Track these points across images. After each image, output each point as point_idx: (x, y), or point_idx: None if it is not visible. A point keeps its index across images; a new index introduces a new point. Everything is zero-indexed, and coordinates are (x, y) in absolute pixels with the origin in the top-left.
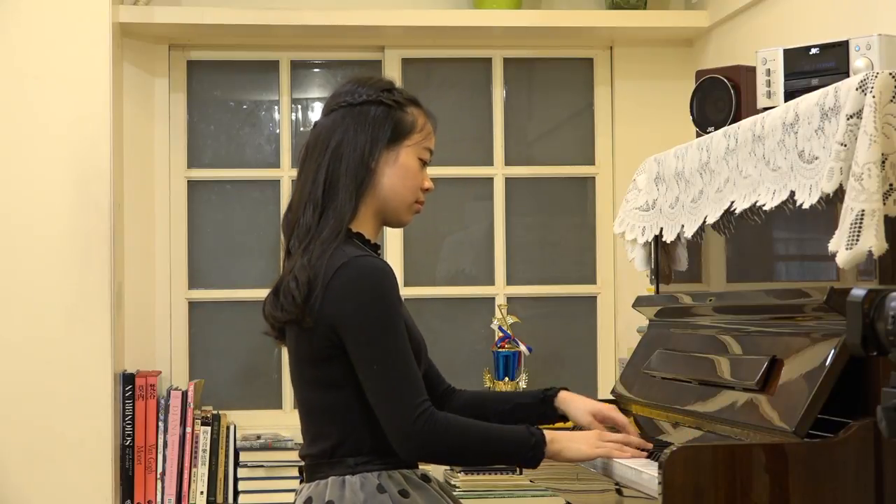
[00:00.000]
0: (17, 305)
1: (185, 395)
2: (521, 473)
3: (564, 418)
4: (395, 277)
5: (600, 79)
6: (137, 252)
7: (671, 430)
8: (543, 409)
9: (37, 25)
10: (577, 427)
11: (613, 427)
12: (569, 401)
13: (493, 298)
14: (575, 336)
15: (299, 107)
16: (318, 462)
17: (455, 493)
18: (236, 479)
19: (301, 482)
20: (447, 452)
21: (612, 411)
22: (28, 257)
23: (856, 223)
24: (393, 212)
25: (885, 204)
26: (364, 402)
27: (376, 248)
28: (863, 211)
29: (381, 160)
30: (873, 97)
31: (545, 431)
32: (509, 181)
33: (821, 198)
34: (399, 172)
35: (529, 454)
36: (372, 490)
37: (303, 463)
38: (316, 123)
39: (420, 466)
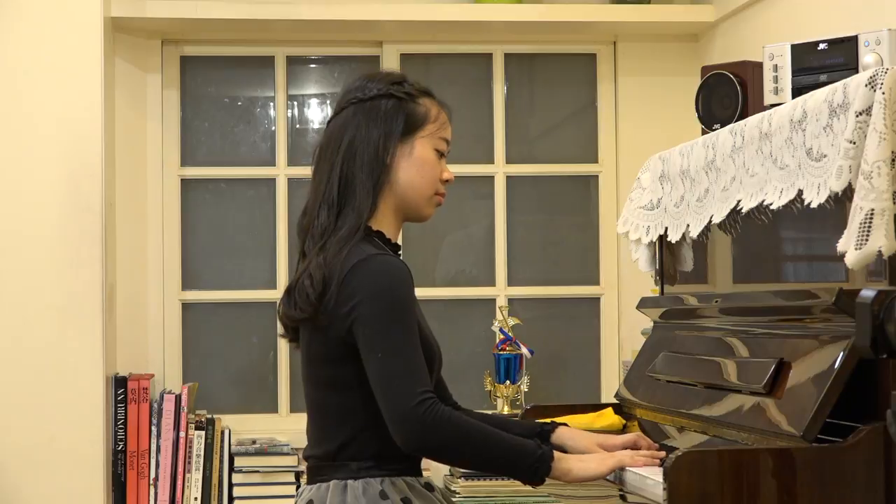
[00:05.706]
0: (6, 307)
1: (178, 398)
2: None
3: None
4: (411, 278)
5: (603, 75)
6: (129, 252)
7: (676, 435)
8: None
9: (27, 20)
10: None
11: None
12: (568, 436)
13: (494, 300)
14: (578, 338)
15: (295, 103)
16: (321, 464)
17: (455, 500)
18: (231, 485)
19: (297, 488)
20: (446, 446)
21: (616, 439)
22: (17, 258)
23: (865, 223)
24: (413, 206)
25: (895, 203)
26: (372, 406)
27: (397, 248)
28: (872, 210)
29: (396, 154)
30: (883, 94)
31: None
32: (510, 179)
33: (829, 197)
34: (416, 164)
35: (535, 466)
36: (374, 496)
37: (302, 467)
38: (328, 123)
39: (424, 474)
